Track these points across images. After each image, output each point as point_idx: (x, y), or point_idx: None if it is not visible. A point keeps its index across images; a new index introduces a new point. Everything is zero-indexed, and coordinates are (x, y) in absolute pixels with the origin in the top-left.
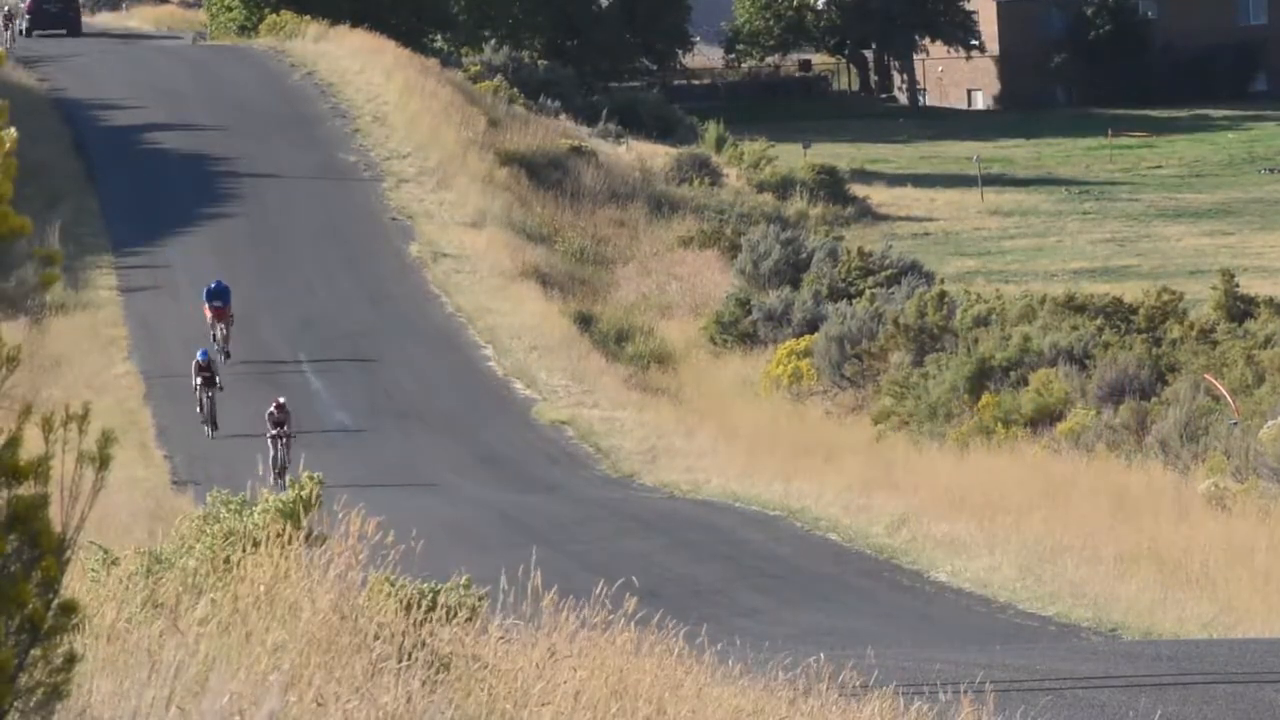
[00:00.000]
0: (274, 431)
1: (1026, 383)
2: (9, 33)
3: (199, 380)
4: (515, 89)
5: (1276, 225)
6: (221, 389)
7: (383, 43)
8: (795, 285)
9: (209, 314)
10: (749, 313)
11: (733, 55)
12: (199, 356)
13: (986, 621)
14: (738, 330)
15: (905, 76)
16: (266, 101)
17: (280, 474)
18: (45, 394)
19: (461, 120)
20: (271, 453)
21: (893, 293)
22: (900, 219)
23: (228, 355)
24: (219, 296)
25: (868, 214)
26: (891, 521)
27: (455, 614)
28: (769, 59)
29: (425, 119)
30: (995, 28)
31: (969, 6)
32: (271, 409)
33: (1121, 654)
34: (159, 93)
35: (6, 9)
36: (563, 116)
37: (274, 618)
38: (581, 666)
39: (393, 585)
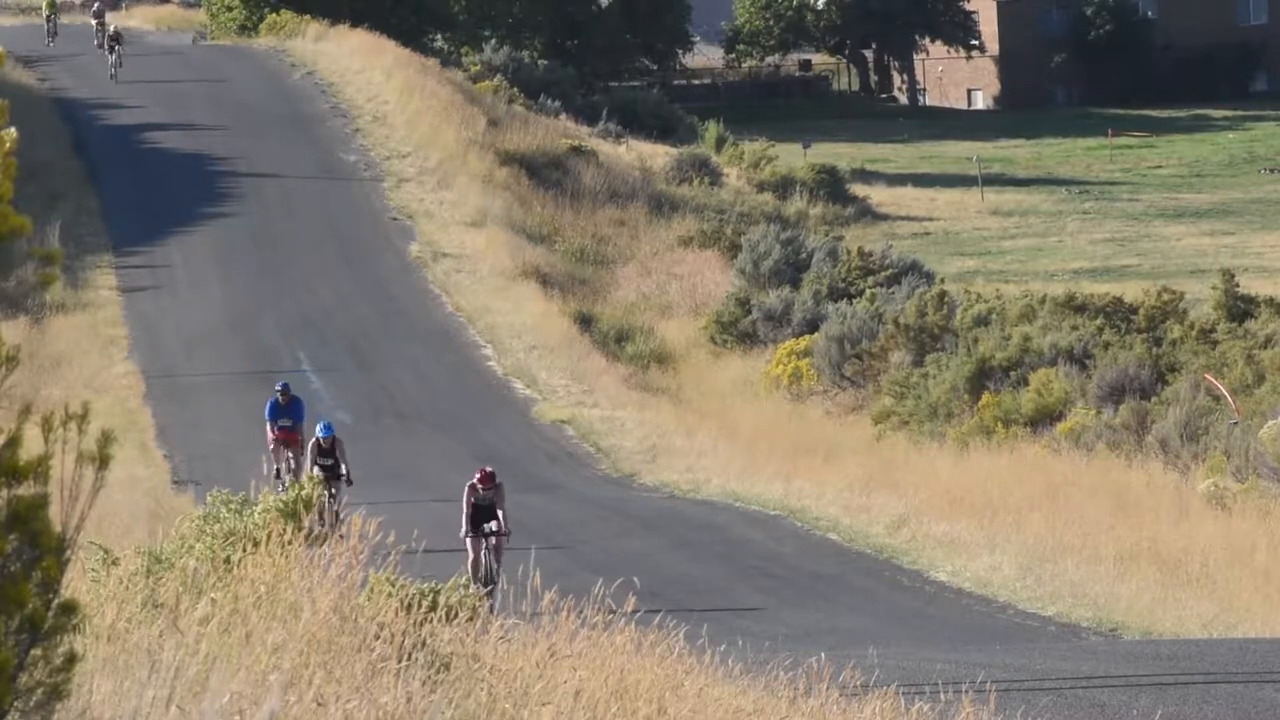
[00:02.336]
0: (486, 534)
1: (1026, 383)
2: (114, 57)
3: (316, 470)
4: (515, 89)
5: (1276, 225)
6: (351, 484)
7: (383, 42)
8: (795, 285)
9: (272, 437)
10: (749, 313)
11: (733, 55)
12: (320, 433)
13: (986, 621)
14: (738, 330)
15: (905, 76)
16: (266, 101)
17: (488, 584)
18: (45, 394)
19: (461, 120)
20: (471, 556)
21: (893, 293)
22: (900, 219)
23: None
24: (288, 414)
25: (868, 214)
26: (891, 521)
27: (455, 614)
28: (769, 59)
29: (425, 118)
30: (995, 28)
31: (969, 6)
32: (474, 481)
33: (1121, 654)
34: (159, 93)
35: (114, 30)
36: (563, 116)
37: (274, 618)
38: (581, 666)
39: (393, 585)
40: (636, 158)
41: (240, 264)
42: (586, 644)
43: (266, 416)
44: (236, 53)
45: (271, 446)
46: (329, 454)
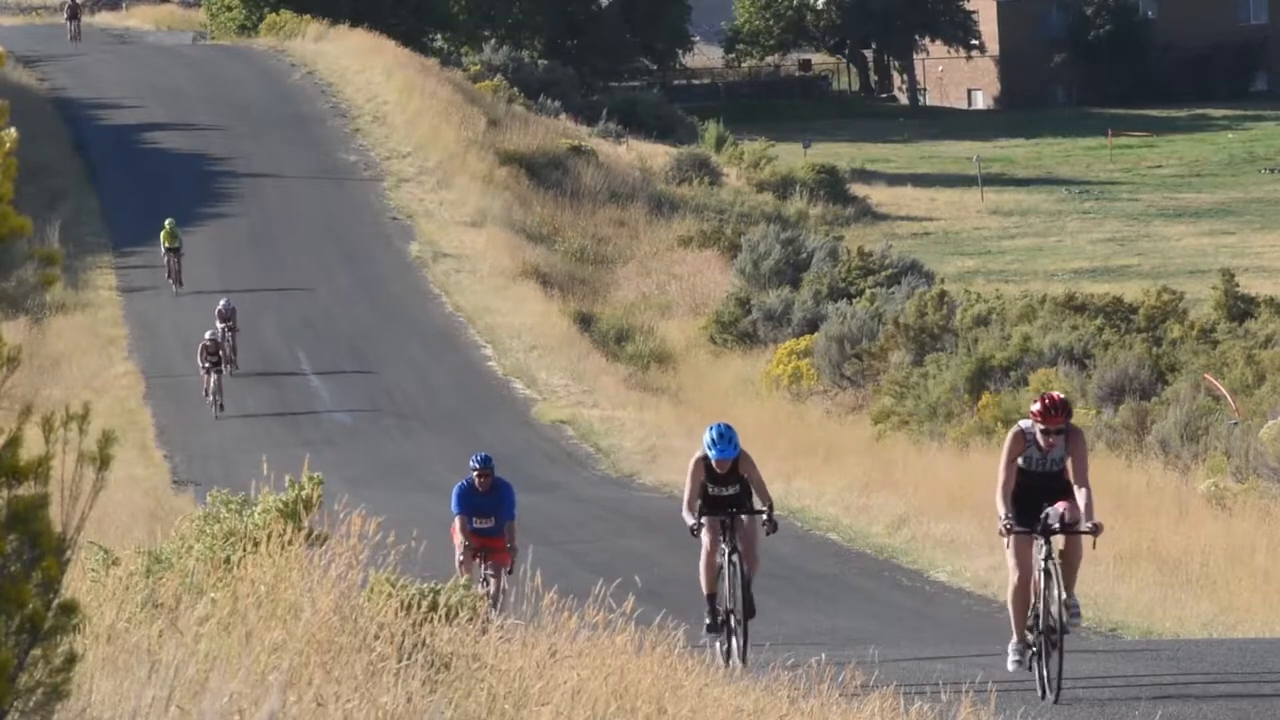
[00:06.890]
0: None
1: (1026, 383)
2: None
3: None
4: (515, 89)
5: (1276, 225)
6: (776, 528)
7: (382, 42)
8: (795, 285)
9: (464, 543)
10: (749, 312)
11: (733, 55)
12: (714, 451)
13: (986, 621)
14: (738, 330)
15: (905, 76)
16: (266, 101)
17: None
18: (45, 394)
19: (461, 120)
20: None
21: (893, 292)
22: (900, 219)
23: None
24: (489, 505)
25: (868, 214)
26: (891, 521)
27: (455, 614)
28: (769, 59)
29: (425, 118)
30: (995, 28)
31: (969, 6)
32: (1027, 421)
33: (1121, 654)
34: (159, 93)
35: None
36: (563, 116)
37: (274, 618)
38: (581, 666)
39: (393, 585)
40: (636, 158)
41: (240, 264)
42: (586, 644)
43: (454, 508)
44: (236, 53)
45: (461, 556)
46: (728, 479)
